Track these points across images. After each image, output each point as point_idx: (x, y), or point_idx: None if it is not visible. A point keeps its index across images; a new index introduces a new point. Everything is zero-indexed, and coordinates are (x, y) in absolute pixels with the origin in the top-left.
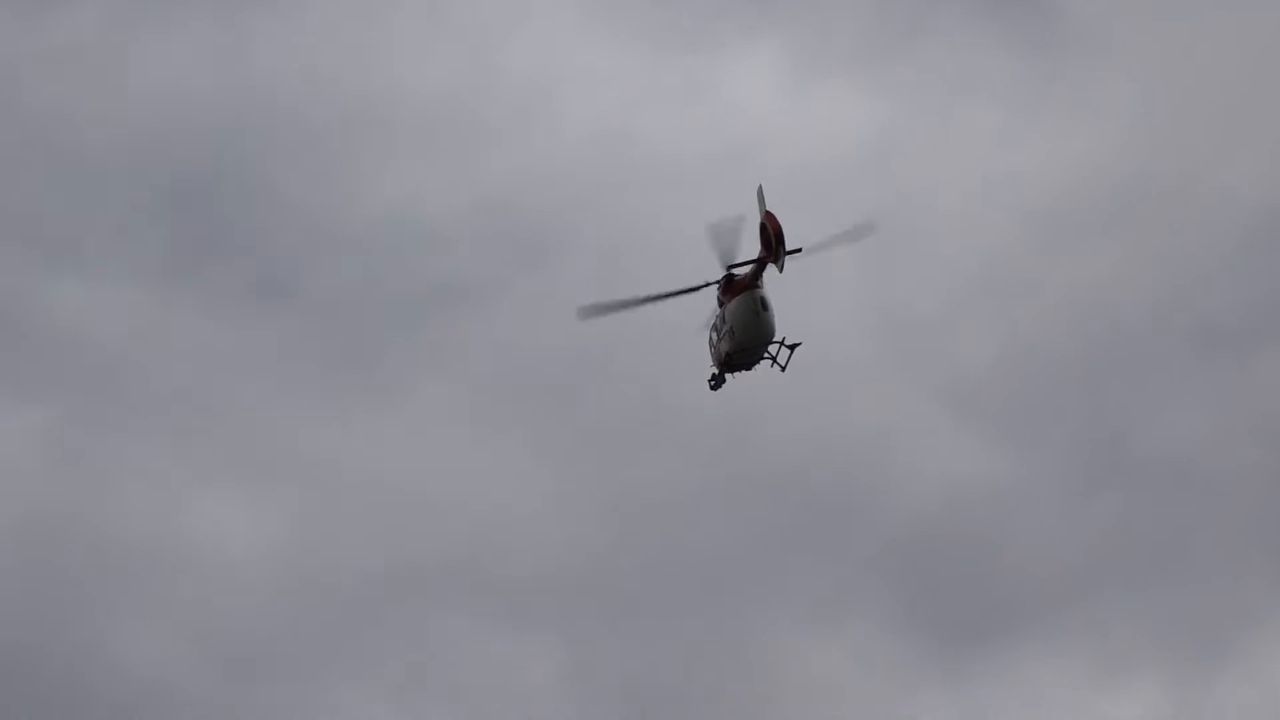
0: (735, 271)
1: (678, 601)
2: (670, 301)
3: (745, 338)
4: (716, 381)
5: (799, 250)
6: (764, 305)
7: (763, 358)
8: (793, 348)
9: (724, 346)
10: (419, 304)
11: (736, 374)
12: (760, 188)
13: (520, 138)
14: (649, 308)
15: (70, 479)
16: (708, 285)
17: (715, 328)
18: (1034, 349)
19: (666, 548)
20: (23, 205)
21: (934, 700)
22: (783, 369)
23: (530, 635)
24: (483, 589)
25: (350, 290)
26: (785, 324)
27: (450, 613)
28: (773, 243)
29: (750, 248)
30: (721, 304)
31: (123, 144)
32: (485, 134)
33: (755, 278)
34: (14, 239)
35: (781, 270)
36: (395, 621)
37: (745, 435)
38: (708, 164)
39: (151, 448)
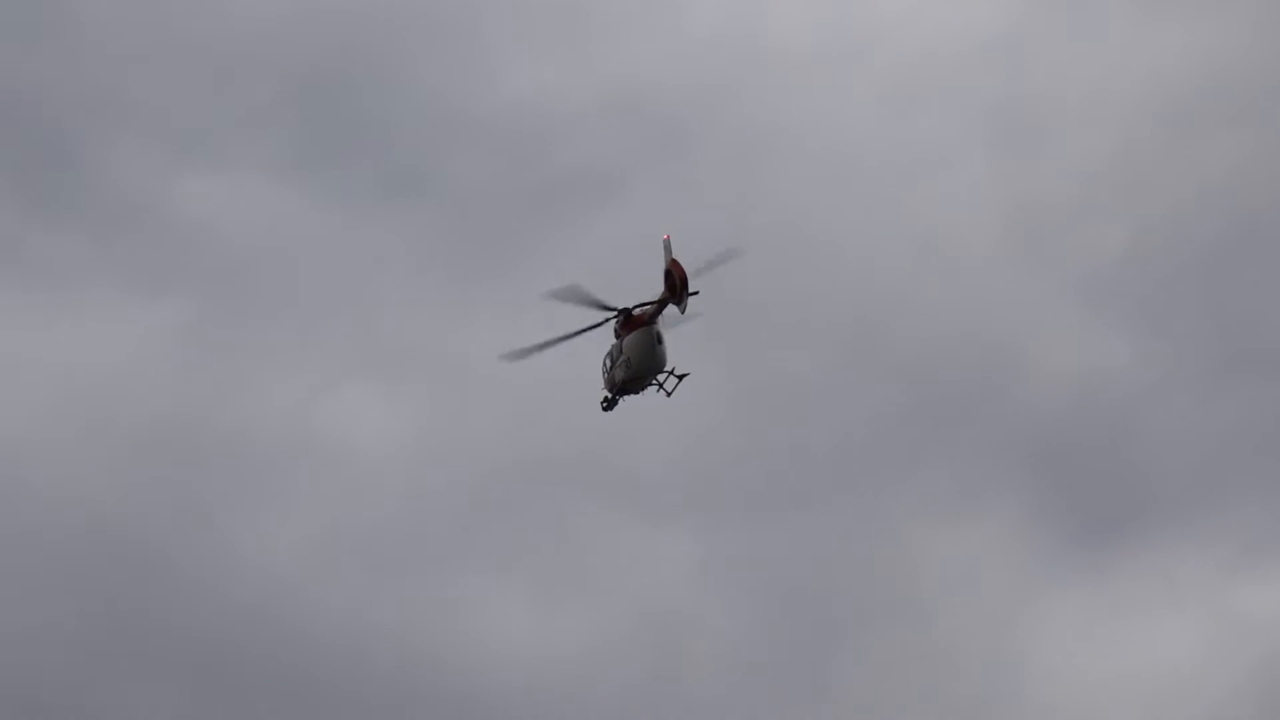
0: (634, 310)
1: (812, 493)
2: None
3: (641, 368)
4: (609, 404)
5: (696, 292)
6: (659, 340)
7: (650, 384)
8: (681, 377)
9: (619, 374)
10: (550, 195)
11: (626, 397)
12: (667, 238)
13: (650, 29)
14: (565, 345)
15: (202, 373)
16: (608, 320)
17: (611, 356)
18: (1165, 239)
19: (801, 439)
20: (153, 98)
21: (1069, 592)
22: (669, 395)
23: (664, 527)
24: (617, 481)
25: (482, 181)
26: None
27: (585, 505)
28: (678, 287)
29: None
30: (619, 336)
31: (253, 36)
32: (615, 25)
33: (654, 316)
34: (145, 132)
35: (683, 312)
36: (530, 514)
37: (880, 328)
38: (835, 56)
39: (283, 342)
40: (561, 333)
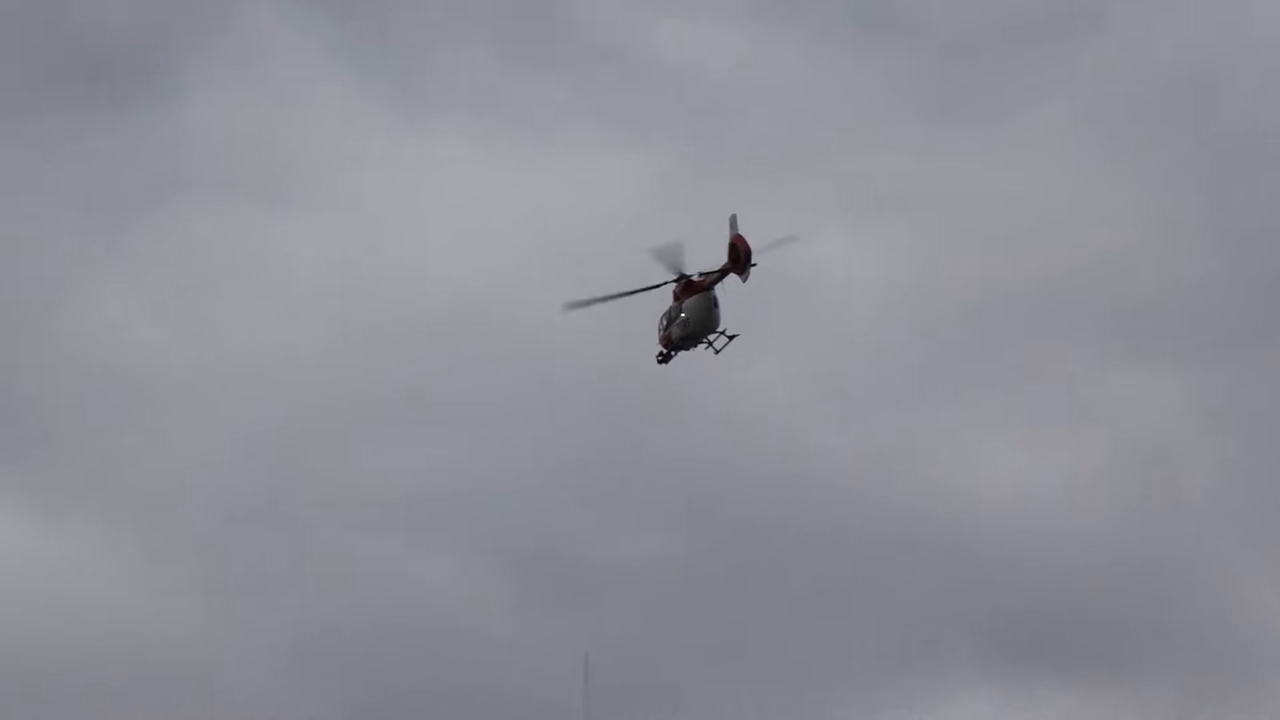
0: (694, 276)
1: None
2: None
3: (698, 328)
4: (664, 358)
5: (756, 264)
6: (716, 303)
7: (702, 343)
8: (731, 337)
9: (676, 332)
10: (1027, 28)
11: (680, 352)
12: (734, 216)
13: None
14: (626, 301)
15: (679, 216)
16: (667, 284)
17: (669, 316)
18: None
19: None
20: None
21: None
22: (717, 352)
23: (1145, 363)
24: (1093, 316)
25: (957, 15)
26: None
27: (1058, 340)
28: (741, 259)
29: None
30: (677, 298)
31: None
32: None
33: (714, 283)
34: None
35: (745, 281)
36: (999, 350)
37: None
38: None
39: (759, 183)
40: (625, 289)
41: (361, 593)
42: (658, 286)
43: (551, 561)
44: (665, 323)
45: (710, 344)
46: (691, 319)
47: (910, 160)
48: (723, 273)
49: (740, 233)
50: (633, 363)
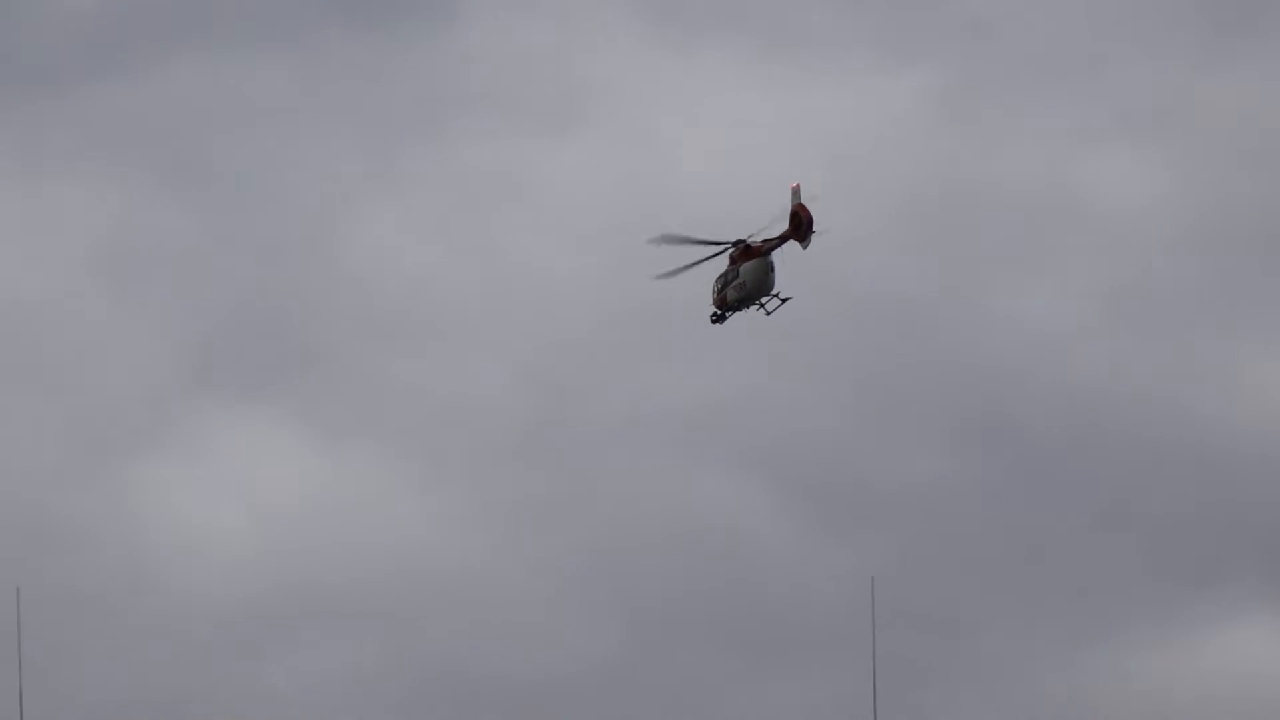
0: (752, 242)
1: None
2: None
3: (754, 290)
4: (718, 318)
5: (816, 232)
6: (772, 268)
7: (755, 305)
8: (785, 300)
9: (731, 294)
10: None
11: (733, 313)
12: (797, 185)
13: None
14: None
15: (956, 138)
16: (727, 250)
17: (724, 278)
18: None
19: None
20: None
21: None
22: (768, 314)
23: None
24: None
25: None
26: None
27: None
28: (804, 227)
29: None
30: (734, 261)
31: None
32: None
33: (772, 249)
34: None
35: (806, 248)
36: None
37: None
38: None
39: (1035, 103)
40: (695, 258)
41: (645, 517)
42: (725, 251)
43: (839, 484)
44: (720, 285)
45: (762, 305)
46: (748, 282)
47: (1189, 74)
48: (782, 239)
49: (802, 202)
50: (914, 277)
